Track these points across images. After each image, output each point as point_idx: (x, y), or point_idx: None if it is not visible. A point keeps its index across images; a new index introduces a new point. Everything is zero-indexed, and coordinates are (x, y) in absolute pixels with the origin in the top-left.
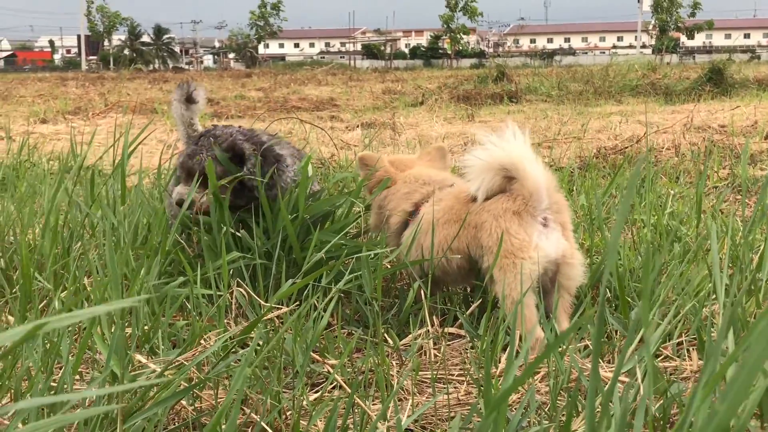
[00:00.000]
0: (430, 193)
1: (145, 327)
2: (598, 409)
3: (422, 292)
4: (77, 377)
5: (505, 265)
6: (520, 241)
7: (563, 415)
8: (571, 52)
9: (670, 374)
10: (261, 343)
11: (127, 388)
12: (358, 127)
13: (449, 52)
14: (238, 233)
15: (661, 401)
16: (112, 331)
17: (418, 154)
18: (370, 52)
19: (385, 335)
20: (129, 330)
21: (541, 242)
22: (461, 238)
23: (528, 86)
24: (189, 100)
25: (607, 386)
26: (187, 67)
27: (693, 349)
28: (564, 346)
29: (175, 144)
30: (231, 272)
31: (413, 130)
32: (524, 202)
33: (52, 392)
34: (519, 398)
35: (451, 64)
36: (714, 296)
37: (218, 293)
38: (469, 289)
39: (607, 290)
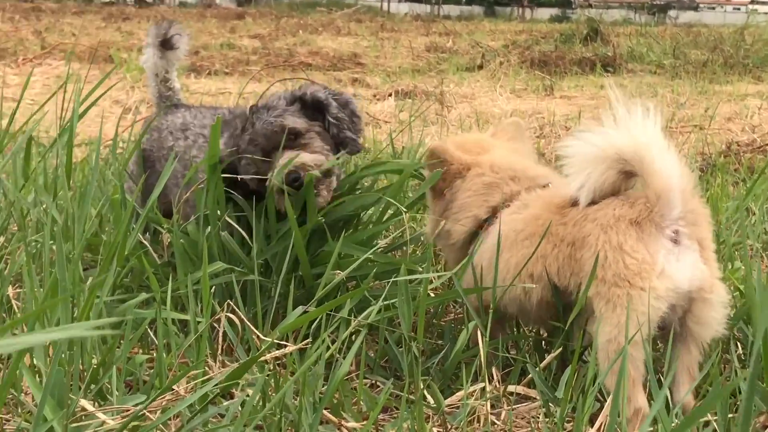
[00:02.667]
0: (516, 193)
1: (93, 361)
2: None
3: (479, 333)
4: None
5: (614, 297)
6: (639, 262)
7: None
8: (693, 5)
9: None
10: (253, 393)
11: None
12: (390, 95)
13: None
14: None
15: None
16: (48, 365)
17: (491, 131)
18: None
19: (425, 391)
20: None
21: (670, 266)
22: (547, 260)
23: (630, 51)
24: (166, 44)
25: None
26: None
27: None
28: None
29: (137, 107)
30: (214, 290)
31: (467, 104)
32: (647, 209)
33: None
34: None
35: (523, 15)
36: None
37: (197, 319)
38: (543, 332)
39: (738, 344)
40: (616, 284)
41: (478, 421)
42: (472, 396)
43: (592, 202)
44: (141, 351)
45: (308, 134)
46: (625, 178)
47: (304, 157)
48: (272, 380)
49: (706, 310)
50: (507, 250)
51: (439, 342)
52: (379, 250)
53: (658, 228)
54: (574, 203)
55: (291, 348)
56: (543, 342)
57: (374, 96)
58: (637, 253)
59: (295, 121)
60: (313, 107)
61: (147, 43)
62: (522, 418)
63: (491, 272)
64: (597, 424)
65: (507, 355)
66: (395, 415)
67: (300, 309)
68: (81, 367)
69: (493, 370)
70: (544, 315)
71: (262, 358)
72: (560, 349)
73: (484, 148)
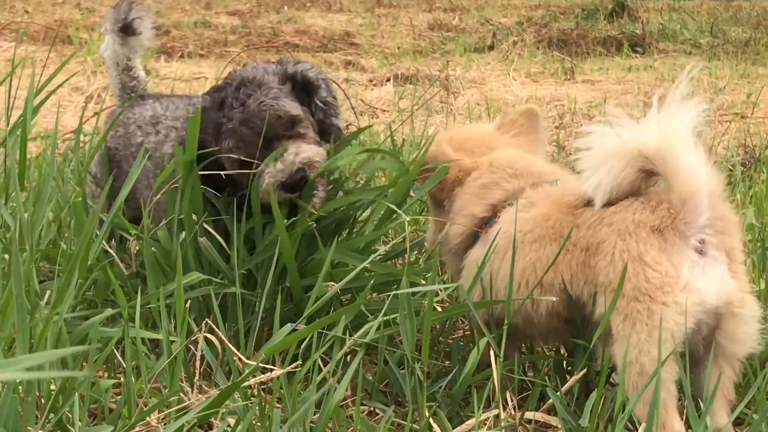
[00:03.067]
0: (517, 190)
1: (52, 387)
2: None
3: (491, 352)
4: None
5: (634, 313)
6: (662, 275)
7: None
8: None
9: None
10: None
11: None
12: (388, 80)
13: None
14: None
15: None
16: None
17: (496, 123)
18: None
19: (431, 419)
20: (22, 388)
21: (695, 279)
22: (559, 267)
23: (662, 28)
24: (127, 30)
25: None
26: None
27: None
28: None
29: (100, 94)
30: (189, 304)
31: (476, 90)
32: (670, 215)
33: None
34: None
35: None
36: None
37: (170, 338)
38: (565, 351)
39: None
40: (635, 299)
41: None
42: (485, 425)
43: (608, 203)
44: (106, 375)
45: (303, 123)
46: (645, 177)
47: (310, 151)
48: (257, 408)
49: (738, 326)
50: (510, 256)
51: (446, 363)
52: (377, 258)
53: (683, 237)
54: (588, 203)
55: (278, 372)
56: (564, 363)
57: (370, 81)
58: (660, 266)
59: (293, 106)
60: (301, 88)
61: (105, 29)
62: None
63: (494, 279)
64: None
65: (523, 377)
66: None
67: (288, 327)
68: (38, 393)
69: (508, 394)
70: (553, 329)
71: (245, 384)
72: (584, 370)
73: (488, 145)
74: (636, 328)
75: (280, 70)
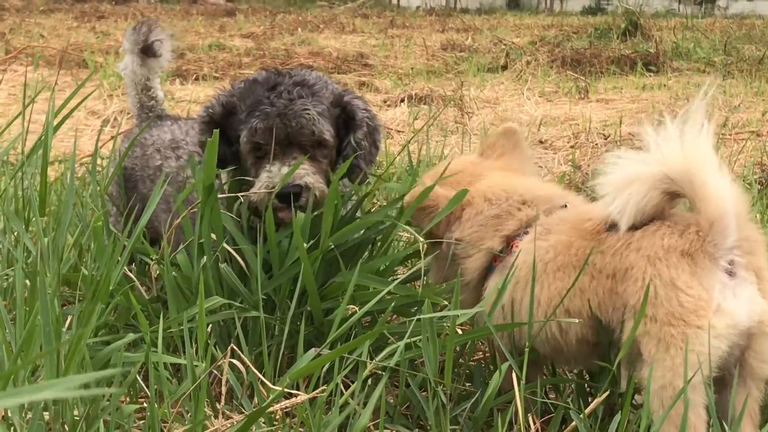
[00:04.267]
0: (531, 219)
1: (76, 413)
2: None
3: (514, 375)
4: None
5: (668, 338)
6: (695, 299)
7: None
8: None
9: None
10: None
11: None
12: (403, 101)
13: None
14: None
15: None
16: (27, 419)
17: (478, 149)
18: None
19: None
20: (48, 414)
21: (726, 302)
22: (586, 293)
23: (675, 47)
24: (147, 51)
25: None
26: None
27: None
28: None
29: (116, 117)
30: (210, 328)
31: (491, 110)
32: (699, 237)
33: None
34: None
35: (551, 7)
36: None
37: (194, 363)
38: (587, 373)
39: None
40: (669, 323)
41: None
42: None
43: (633, 227)
44: (129, 400)
45: (326, 151)
46: (669, 200)
47: (312, 177)
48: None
49: (766, 345)
50: (536, 283)
51: (467, 385)
52: (391, 277)
53: (712, 259)
54: (611, 227)
55: (303, 397)
56: (587, 385)
57: (384, 102)
58: (692, 289)
59: (329, 131)
60: (344, 120)
61: (125, 49)
62: None
63: (517, 309)
64: None
65: (546, 400)
66: None
67: (312, 352)
68: (62, 420)
69: (531, 417)
70: (581, 355)
71: (270, 409)
72: (607, 392)
73: (474, 174)
74: (670, 352)
75: (337, 94)
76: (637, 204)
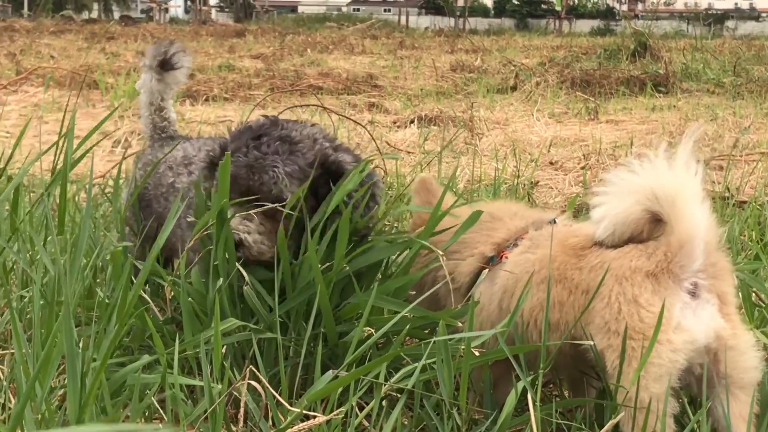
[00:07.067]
0: (521, 231)
1: None
2: None
3: (529, 398)
4: None
5: (630, 351)
6: (654, 315)
7: None
8: (754, 15)
9: None
10: None
11: None
12: (412, 122)
13: (558, 8)
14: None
15: None
16: None
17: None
18: (432, 3)
19: None
20: None
21: (686, 320)
22: (564, 308)
23: (685, 68)
24: (166, 65)
25: None
26: (142, 16)
27: None
28: None
29: (126, 137)
30: (225, 349)
31: (500, 131)
32: (666, 258)
33: None
34: None
35: (560, 28)
36: None
37: (210, 385)
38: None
39: None
40: (630, 337)
41: None
42: None
43: (612, 245)
44: (142, 421)
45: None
46: (649, 221)
47: (250, 237)
48: None
49: (738, 356)
50: (517, 295)
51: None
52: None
53: (677, 280)
54: (594, 245)
55: (321, 419)
56: (603, 406)
57: (394, 123)
58: (653, 306)
59: (292, 192)
60: (329, 176)
61: (144, 64)
62: None
63: (502, 317)
64: None
65: (561, 421)
66: None
67: (330, 374)
68: None
69: None
70: (562, 366)
71: (288, 431)
72: (621, 414)
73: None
74: (632, 364)
75: (323, 154)
76: (617, 214)
